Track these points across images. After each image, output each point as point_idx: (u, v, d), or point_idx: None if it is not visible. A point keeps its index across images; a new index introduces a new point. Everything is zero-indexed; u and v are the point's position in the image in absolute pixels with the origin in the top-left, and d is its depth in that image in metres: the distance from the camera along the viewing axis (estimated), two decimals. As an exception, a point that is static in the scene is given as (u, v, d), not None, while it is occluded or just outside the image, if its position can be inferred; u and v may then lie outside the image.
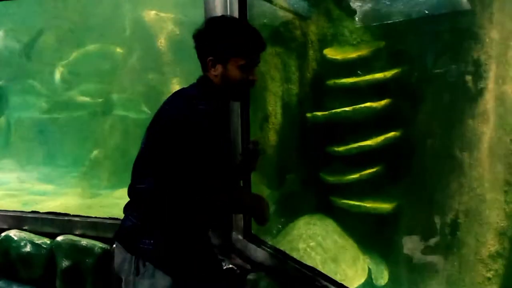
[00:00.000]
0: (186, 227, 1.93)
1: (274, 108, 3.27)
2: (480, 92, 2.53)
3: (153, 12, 5.38)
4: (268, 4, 3.14)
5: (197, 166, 1.78)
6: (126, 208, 1.97)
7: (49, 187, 5.75)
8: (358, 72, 2.90)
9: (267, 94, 3.25)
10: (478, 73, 2.52)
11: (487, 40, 2.51)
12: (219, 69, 1.94)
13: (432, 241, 2.74)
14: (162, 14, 5.39)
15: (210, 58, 1.94)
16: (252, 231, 2.88)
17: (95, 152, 5.82)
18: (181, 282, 1.89)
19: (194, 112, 1.83)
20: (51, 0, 6.63)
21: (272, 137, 3.28)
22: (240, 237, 2.83)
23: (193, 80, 2.02)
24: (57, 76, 6.85)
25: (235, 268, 2.73)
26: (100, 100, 6.02)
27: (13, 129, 7.07)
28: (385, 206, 2.85)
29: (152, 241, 1.86)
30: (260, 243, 2.79)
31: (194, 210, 1.89)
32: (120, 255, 1.92)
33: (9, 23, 6.85)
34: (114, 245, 2.07)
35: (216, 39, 1.95)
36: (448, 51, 2.68)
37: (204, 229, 2.08)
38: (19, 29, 6.98)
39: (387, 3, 2.87)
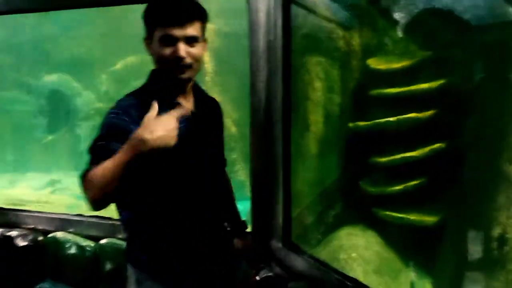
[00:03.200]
0: (163, 234, 1.76)
1: (315, 117, 3.27)
2: (531, 104, 2.47)
3: (196, 23, 5.47)
4: (312, 14, 3.15)
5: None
6: None
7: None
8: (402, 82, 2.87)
9: (309, 103, 3.25)
10: (529, 85, 2.46)
11: (539, 51, 2.46)
12: (150, 48, 1.67)
13: (478, 255, 2.66)
14: (205, 25, 5.47)
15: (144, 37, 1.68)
16: (292, 240, 2.88)
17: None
18: None
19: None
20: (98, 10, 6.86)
21: (313, 146, 3.28)
22: (279, 245, 2.83)
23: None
24: (101, 84, 7.06)
25: (274, 277, 2.73)
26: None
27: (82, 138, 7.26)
28: (429, 219, 2.79)
29: (139, 250, 1.79)
30: (300, 252, 2.78)
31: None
32: None
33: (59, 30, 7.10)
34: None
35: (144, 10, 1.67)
36: (497, 62, 2.63)
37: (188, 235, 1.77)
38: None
39: (433, 13, 2.84)
